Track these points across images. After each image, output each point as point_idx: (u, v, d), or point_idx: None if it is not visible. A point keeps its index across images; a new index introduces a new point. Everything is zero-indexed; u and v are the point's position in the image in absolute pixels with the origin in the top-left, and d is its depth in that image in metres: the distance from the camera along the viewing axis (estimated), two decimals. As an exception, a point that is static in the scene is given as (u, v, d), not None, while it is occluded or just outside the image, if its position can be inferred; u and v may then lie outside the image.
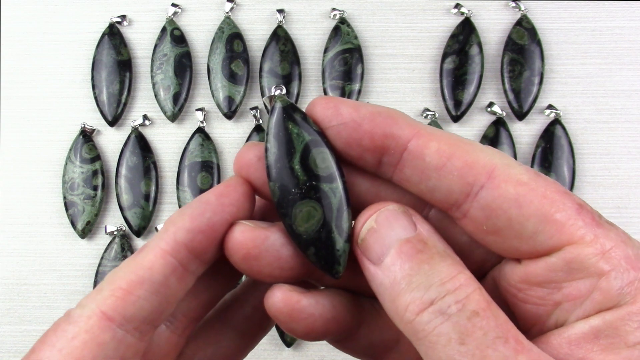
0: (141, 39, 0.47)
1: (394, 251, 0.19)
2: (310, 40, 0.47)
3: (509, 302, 0.20)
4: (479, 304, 0.17)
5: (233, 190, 0.20)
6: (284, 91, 0.21)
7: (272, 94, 0.21)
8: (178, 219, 0.19)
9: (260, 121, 0.46)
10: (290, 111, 0.21)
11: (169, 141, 0.47)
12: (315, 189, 0.20)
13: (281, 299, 0.21)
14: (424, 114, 0.46)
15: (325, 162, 0.20)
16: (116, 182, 0.45)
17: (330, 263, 0.20)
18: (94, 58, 0.46)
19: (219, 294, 0.23)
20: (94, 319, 0.18)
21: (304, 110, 0.21)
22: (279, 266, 0.21)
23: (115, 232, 0.45)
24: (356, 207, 0.21)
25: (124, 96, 0.46)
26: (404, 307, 0.18)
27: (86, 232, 0.45)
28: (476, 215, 0.19)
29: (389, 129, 0.20)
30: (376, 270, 0.19)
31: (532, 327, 0.20)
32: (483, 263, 0.22)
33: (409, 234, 0.19)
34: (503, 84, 0.45)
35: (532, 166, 0.45)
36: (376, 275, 0.19)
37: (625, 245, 0.18)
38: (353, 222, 0.21)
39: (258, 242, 0.20)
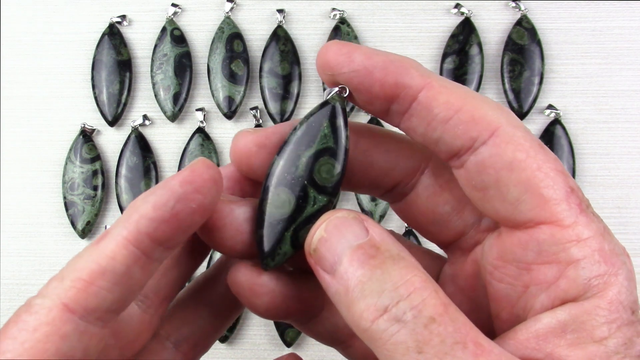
0: (141, 39, 0.47)
1: (346, 259, 0.18)
2: (310, 40, 0.47)
3: (486, 281, 0.20)
4: (436, 309, 0.17)
5: (199, 177, 0.19)
6: (347, 93, 0.20)
7: (336, 91, 0.20)
8: (141, 206, 0.18)
9: (260, 121, 0.46)
10: (337, 114, 0.21)
11: (169, 141, 0.47)
12: (303, 189, 0.20)
13: (243, 273, 0.21)
14: (424, 114, 0.46)
15: (329, 175, 0.21)
16: (116, 182, 0.45)
17: (266, 253, 0.21)
18: (94, 58, 0.46)
19: (189, 270, 0.23)
20: (55, 311, 0.18)
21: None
22: (242, 240, 0.21)
23: (115, 232, 0.45)
24: None
25: (124, 96, 0.46)
26: (359, 315, 0.18)
27: (86, 232, 0.45)
28: (470, 168, 0.19)
29: (401, 78, 0.19)
30: (331, 280, 0.19)
31: (502, 310, 0.20)
32: (462, 233, 0.22)
33: (360, 240, 0.19)
34: (503, 84, 0.45)
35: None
36: (331, 285, 0.19)
37: (603, 238, 0.18)
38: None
39: (223, 214, 0.20)
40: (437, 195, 0.21)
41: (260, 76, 0.46)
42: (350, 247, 0.19)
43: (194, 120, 0.47)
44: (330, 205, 0.21)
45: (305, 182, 0.20)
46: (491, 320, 0.21)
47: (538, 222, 0.18)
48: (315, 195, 0.20)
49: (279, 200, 0.20)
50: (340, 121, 0.21)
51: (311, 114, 0.21)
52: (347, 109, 0.20)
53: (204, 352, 0.24)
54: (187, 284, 0.24)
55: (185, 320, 0.23)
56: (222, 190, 0.20)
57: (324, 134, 0.20)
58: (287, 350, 0.45)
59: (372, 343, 0.18)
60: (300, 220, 0.20)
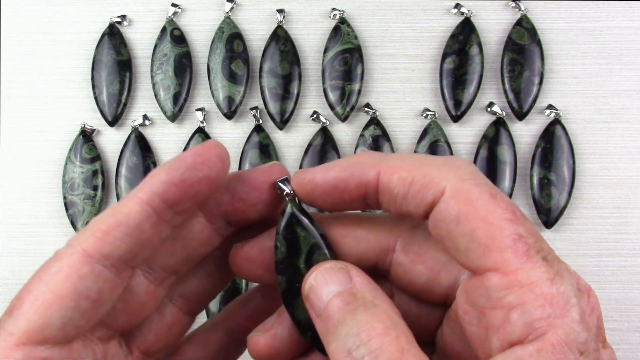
0: (141, 39, 0.47)
1: (328, 305, 0.21)
2: (310, 40, 0.47)
3: (461, 324, 0.22)
4: (391, 355, 0.19)
5: (207, 151, 0.21)
6: (292, 190, 0.23)
7: (286, 192, 0.24)
8: (157, 172, 0.21)
9: (260, 121, 0.46)
10: (300, 215, 0.23)
11: (169, 141, 0.47)
12: None
13: None
14: (424, 114, 0.46)
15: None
16: (116, 182, 0.45)
17: (322, 345, 0.23)
18: (94, 58, 0.46)
19: (194, 254, 0.25)
20: (75, 256, 0.20)
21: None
22: (298, 347, 0.24)
23: (115, 232, 0.45)
24: None
25: (124, 96, 0.46)
26: (332, 354, 0.20)
27: (86, 232, 0.45)
28: (430, 226, 0.21)
29: (358, 178, 0.22)
30: (319, 321, 0.22)
31: (478, 350, 0.21)
32: (446, 295, 0.23)
33: (342, 288, 0.21)
34: (503, 84, 0.45)
35: (531, 166, 0.45)
36: (319, 325, 0.22)
37: (552, 283, 0.19)
38: None
39: (269, 342, 0.24)
40: (410, 270, 0.23)
41: (260, 76, 0.46)
42: (332, 294, 0.21)
43: (194, 120, 0.47)
44: None
45: None
46: None
47: (485, 270, 0.19)
48: None
49: (304, 308, 0.23)
50: (306, 220, 0.23)
51: (282, 229, 0.23)
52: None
53: (199, 310, 0.27)
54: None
55: (183, 279, 0.26)
56: (229, 168, 0.22)
57: (302, 237, 0.23)
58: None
59: None
60: None
